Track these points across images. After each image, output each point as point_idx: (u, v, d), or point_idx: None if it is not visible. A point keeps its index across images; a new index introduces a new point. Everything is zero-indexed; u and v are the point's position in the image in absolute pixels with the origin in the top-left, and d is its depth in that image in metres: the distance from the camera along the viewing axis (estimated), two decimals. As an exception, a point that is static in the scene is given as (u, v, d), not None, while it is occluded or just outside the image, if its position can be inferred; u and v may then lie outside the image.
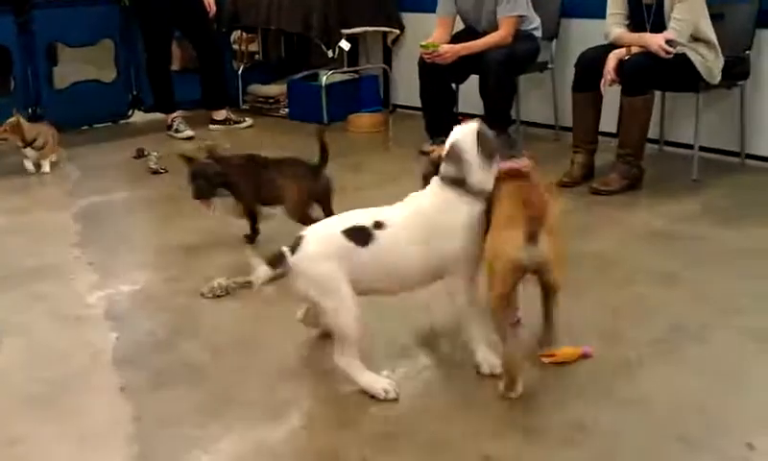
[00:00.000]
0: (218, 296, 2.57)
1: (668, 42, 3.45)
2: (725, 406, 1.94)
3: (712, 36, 3.62)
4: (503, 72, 4.12)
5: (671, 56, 3.46)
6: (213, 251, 3.02)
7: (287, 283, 2.05)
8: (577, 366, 2.11)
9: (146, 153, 4.40)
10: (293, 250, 2.01)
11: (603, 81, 3.56)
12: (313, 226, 2.15)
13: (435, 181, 2.10)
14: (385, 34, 5.61)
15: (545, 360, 2.11)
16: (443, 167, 2.09)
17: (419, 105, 4.63)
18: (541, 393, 1.99)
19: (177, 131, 4.98)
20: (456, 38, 4.33)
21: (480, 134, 2.06)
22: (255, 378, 2.10)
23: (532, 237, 1.84)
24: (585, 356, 2.15)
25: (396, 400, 1.96)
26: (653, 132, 4.09)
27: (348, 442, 1.81)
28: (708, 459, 1.74)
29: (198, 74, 5.18)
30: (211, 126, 5.20)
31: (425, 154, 4.40)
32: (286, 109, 5.62)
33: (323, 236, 2.05)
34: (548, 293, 2.04)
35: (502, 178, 2.05)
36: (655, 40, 3.48)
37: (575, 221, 3.28)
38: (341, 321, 1.97)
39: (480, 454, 1.75)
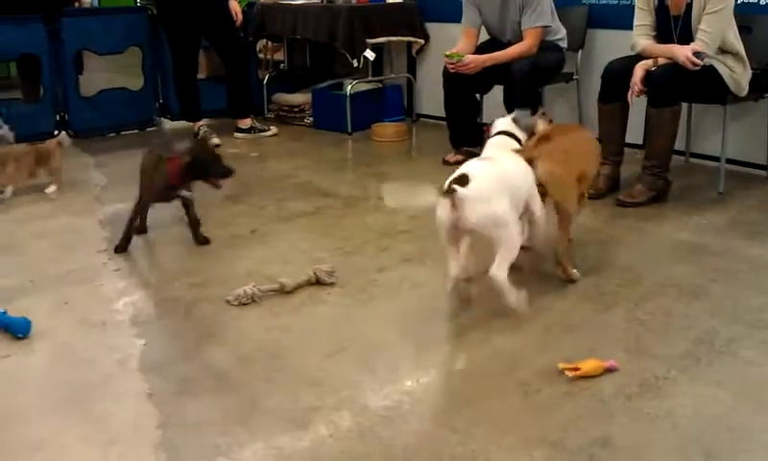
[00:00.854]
0: (244, 304, 2.59)
1: (696, 54, 3.43)
2: (751, 423, 1.92)
3: (740, 48, 3.59)
4: (528, 83, 4.11)
5: (699, 67, 3.44)
6: (239, 258, 3.04)
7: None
8: (602, 380, 2.10)
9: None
10: (463, 185, 2.37)
11: (630, 92, 3.54)
12: (471, 165, 2.53)
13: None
14: (410, 43, 5.63)
15: (570, 374, 2.10)
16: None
17: (442, 114, 4.63)
18: (567, 407, 1.98)
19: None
20: (481, 49, 4.34)
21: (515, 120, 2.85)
22: (281, 386, 2.11)
23: None
24: (610, 370, 2.13)
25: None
26: (679, 143, 4.05)
27: (372, 451, 1.81)
28: (736, 476, 1.72)
29: (224, 82, 5.23)
30: (236, 134, 5.24)
31: (449, 163, 4.42)
32: (311, 118, 5.65)
33: (490, 175, 2.48)
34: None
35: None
36: (682, 52, 3.46)
37: (601, 233, 3.27)
38: (512, 244, 2.42)
39: (505, 467, 1.74)
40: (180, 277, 2.88)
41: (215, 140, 4.99)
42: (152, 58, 5.42)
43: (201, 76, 5.33)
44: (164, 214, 3.62)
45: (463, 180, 2.41)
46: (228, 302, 2.61)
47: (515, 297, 2.44)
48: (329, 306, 2.59)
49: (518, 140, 2.77)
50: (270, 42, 6.27)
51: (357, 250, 3.11)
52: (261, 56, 6.28)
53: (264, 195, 3.85)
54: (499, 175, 2.51)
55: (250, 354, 2.28)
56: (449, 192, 2.37)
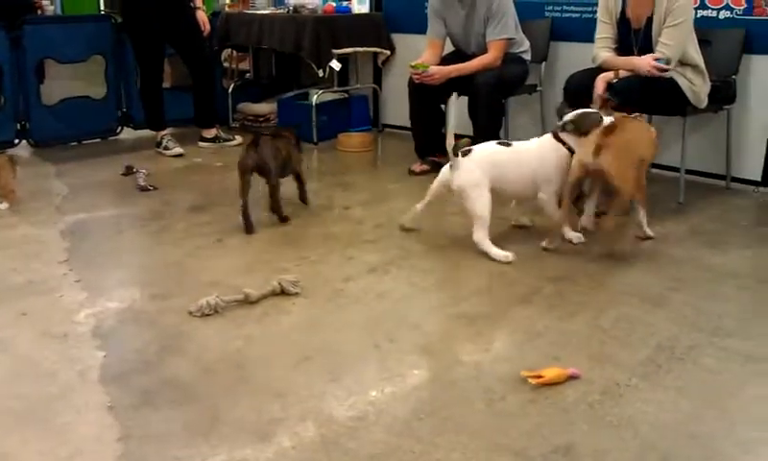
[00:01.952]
0: (207, 314, 2.56)
1: (657, 61, 3.50)
2: (711, 429, 1.94)
3: (700, 60, 3.66)
4: (492, 94, 4.15)
5: (665, 72, 3.50)
6: (203, 269, 3.01)
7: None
8: (565, 387, 2.12)
9: (135, 170, 4.39)
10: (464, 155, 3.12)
11: (593, 104, 3.59)
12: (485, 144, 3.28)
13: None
14: (376, 54, 5.65)
15: (533, 381, 2.11)
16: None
17: (408, 125, 4.66)
18: (531, 415, 1.99)
19: (166, 148, 4.98)
20: (446, 60, 4.37)
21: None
22: (244, 398, 2.09)
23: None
24: (573, 378, 2.15)
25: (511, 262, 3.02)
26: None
27: (337, 462, 1.81)
28: (695, 482, 1.74)
29: (188, 91, 5.18)
30: (201, 143, 5.20)
31: (414, 173, 4.44)
32: (276, 128, 5.63)
33: (484, 155, 3.16)
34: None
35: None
36: (644, 63, 3.52)
37: (564, 242, 3.30)
38: (476, 214, 3.08)
39: (468, 476, 1.75)
40: (143, 287, 2.85)
41: (178, 150, 4.95)
42: (115, 66, 5.36)
43: (165, 85, 5.28)
44: (125, 223, 3.59)
45: (467, 152, 3.13)
46: (190, 313, 2.58)
47: (498, 253, 3.05)
48: (294, 317, 2.58)
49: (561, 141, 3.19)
50: (235, 52, 6.24)
51: (322, 259, 3.10)
52: (226, 65, 6.25)
53: (228, 205, 3.82)
54: (493, 156, 3.18)
55: (212, 366, 2.26)
56: (455, 156, 3.09)
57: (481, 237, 3.09)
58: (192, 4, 4.99)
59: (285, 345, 2.37)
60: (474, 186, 3.08)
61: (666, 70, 3.52)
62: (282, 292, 2.70)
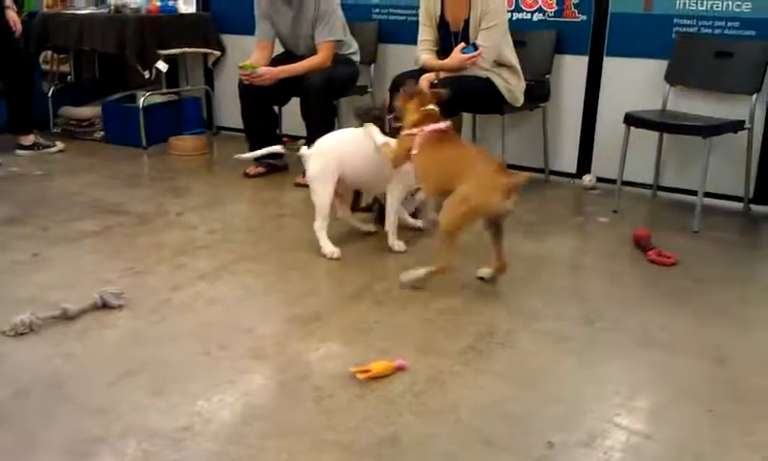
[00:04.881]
0: (21, 333, 2.41)
1: (463, 51, 3.67)
2: (527, 408, 2.07)
3: (515, 61, 3.88)
4: (323, 95, 4.19)
5: (478, 56, 3.67)
6: (19, 285, 2.83)
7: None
8: (393, 379, 2.18)
9: (-58, 181, 4.05)
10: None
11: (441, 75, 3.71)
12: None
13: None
14: (206, 55, 5.53)
15: (360, 377, 2.16)
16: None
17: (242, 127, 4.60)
18: (358, 410, 2.03)
19: (-21, 157, 4.63)
20: (276, 61, 4.35)
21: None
22: (62, 418, 1.98)
23: (509, 196, 2.64)
24: (400, 369, 2.22)
25: (338, 259, 3.10)
26: (466, 151, 4.30)
27: (161, 476, 1.76)
28: (512, 459, 1.84)
29: (2, 97, 4.84)
30: (18, 151, 4.88)
31: (249, 176, 4.40)
32: (101, 133, 5.38)
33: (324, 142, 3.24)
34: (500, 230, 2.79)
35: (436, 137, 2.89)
36: (455, 60, 3.68)
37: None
38: (316, 203, 3.16)
39: (296, 476, 1.76)
40: (-51, 309, 2.63)
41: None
42: None
43: (-23, 90, 4.90)
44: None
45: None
46: (3, 332, 2.41)
47: (327, 247, 3.13)
48: (117, 330, 2.48)
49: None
50: (55, 54, 5.89)
51: (149, 269, 3.00)
52: (47, 67, 5.89)
53: (48, 216, 3.61)
54: (339, 146, 3.21)
55: (27, 387, 2.12)
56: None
57: (318, 227, 3.16)
58: (1, 3, 4.66)
59: (107, 360, 2.27)
60: (316, 178, 3.15)
61: (477, 55, 3.67)
62: (104, 305, 2.59)
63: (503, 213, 2.71)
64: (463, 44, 3.69)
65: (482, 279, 2.91)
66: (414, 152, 2.90)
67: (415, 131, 2.92)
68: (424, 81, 3.68)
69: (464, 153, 2.88)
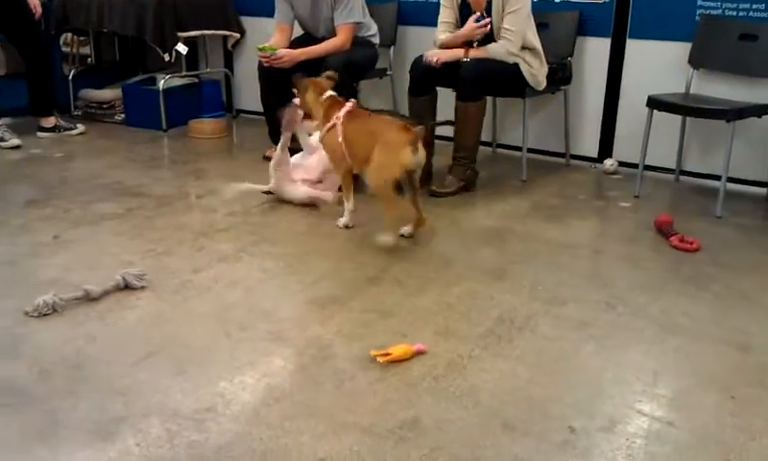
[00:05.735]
0: (44, 314, 2.43)
1: (477, 20, 3.69)
2: (548, 393, 2.06)
3: (538, 44, 3.84)
4: (343, 77, 4.15)
5: (488, 29, 3.66)
6: (41, 267, 2.85)
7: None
8: (412, 363, 2.18)
9: (-35, 163, 4.09)
10: None
11: (436, 59, 3.73)
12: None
13: None
14: (225, 37, 5.53)
15: (381, 360, 2.16)
16: None
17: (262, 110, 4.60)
18: (379, 393, 2.03)
19: (1, 139, 4.66)
20: (295, 44, 4.34)
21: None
22: (84, 398, 2.00)
23: (416, 150, 2.93)
24: (419, 353, 2.22)
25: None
26: (486, 135, 4.29)
27: (181, 456, 1.77)
28: (533, 443, 1.84)
29: (25, 79, 4.88)
30: (39, 133, 4.92)
31: (268, 159, 4.39)
32: (122, 115, 5.41)
33: None
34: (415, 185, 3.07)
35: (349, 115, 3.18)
36: (467, 29, 3.70)
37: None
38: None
39: (316, 458, 1.76)
40: (-27, 289, 2.66)
41: (15, 141, 4.65)
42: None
43: (0, 72, 4.94)
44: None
45: None
46: (26, 313, 2.44)
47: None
48: (139, 311, 2.49)
49: None
50: (75, 36, 5.92)
51: (170, 251, 3.02)
52: (66, 50, 5.92)
53: (69, 198, 3.64)
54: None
55: (50, 367, 2.15)
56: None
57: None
58: (21, -14, 4.68)
59: (129, 341, 2.29)
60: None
61: (487, 24, 3.68)
62: (126, 287, 2.61)
63: (413, 166, 2.98)
64: (477, 14, 3.69)
65: (403, 236, 3.14)
66: (339, 140, 3.16)
67: (331, 122, 3.20)
68: (452, 55, 3.71)
69: (372, 123, 3.14)
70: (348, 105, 3.23)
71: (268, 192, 3.64)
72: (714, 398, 2.05)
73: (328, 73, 3.44)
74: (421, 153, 2.96)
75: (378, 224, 3.10)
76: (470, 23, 3.70)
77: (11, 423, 1.90)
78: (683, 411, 1.99)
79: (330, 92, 3.32)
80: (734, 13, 3.85)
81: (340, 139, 3.15)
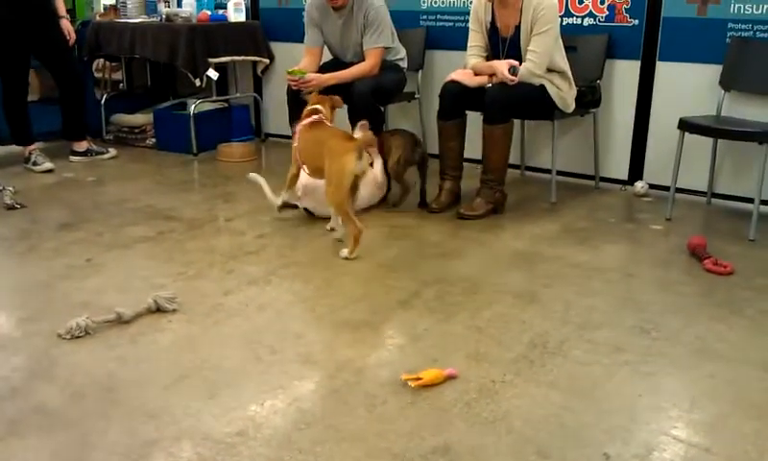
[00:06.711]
0: (77, 336, 2.45)
1: (511, 69, 3.63)
2: (582, 419, 2.03)
3: (566, 67, 3.83)
4: (370, 101, 4.18)
5: (515, 82, 3.63)
6: (74, 289, 2.88)
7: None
8: (444, 388, 2.16)
9: (1, 187, 4.16)
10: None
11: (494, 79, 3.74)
12: None
13: None
14: (255, 63, 5.59)
15: (412, 384, 2.14)
16: None
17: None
18: (410, 418, 2.02)
19: (35, 163, 4.75)
20: (324, 68, 4.37)
21: None
22: (116, 421, 2.01)
23: (360, 156, 3.18)
24: (450, 378, 2.20)
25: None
26: (515, 157, 4.27)
27: (215, 480, 1.77)
28: (566, 471, 1.81)
29: (57, 104, 4.96)
30: (72, 157, 5.00)
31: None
32: (153, 140, 5.48)
33: None
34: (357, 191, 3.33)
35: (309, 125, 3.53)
36: (500, 68, 3.66)
37: (443, 245, 3.37)
38: None
39: (348, 483, 1.75)
40: (9, 311, 2.70)
41: (48, 165, 4.73)
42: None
43: (33, 97, 5.03)
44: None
45: None
46: (59, 335, 2.46)
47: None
48: (170, 334, 2.51)
49: None
50: (107, 62, 6.03)
51: (201, 274, 3.04)
52: (98, 75, 6.03)
53: (101, 221, 3.69)
54: None
55: (83, 390, 2.16)
56: None
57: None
58: (56, 13, 4.77)
59: (160, 364, 2.30)
60: None
61: (513, 80, 3.65)
62: (158, 310, 2.63)
63: (359, 173, 3.21)
64: (515, 63, 3.66)
65: (332, 229, 3.49)
66: (294, 144, 3.54)
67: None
68: (469, 81, 3.79)
69: (323, 134, 3.42)
70: (314, 117, 3.52)
71: (284, 207, 3.77)
72: (753, 424, 2.01)
73: (335, 98, 3.73)
74: (365, 160, 3.22)
75: (397, 250, 3.10)
76: (505, 71, 3.64)
77: (43, 446, 1.91)
78: (720, 438, 1.95)
79: (315, 106, 3.59)
80: (766, 36, 3.81)
81: (295, 144, 3.54)
